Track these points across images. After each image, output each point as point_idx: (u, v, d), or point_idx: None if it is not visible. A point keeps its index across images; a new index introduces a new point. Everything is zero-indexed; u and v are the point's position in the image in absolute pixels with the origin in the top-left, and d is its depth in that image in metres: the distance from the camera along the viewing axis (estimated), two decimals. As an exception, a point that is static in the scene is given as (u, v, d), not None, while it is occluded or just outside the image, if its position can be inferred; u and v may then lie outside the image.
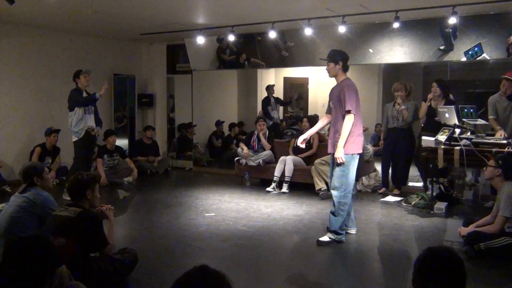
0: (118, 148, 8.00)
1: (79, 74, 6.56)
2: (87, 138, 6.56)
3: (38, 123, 7.88)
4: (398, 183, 6.71)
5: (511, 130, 5.56)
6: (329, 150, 4.66)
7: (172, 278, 1.54)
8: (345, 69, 4.55)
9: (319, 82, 9.42)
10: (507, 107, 5.66)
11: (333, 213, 4.54)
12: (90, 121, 6.58)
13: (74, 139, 6.58)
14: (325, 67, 4.58)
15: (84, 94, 6.59)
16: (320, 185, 6.62)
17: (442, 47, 6.63)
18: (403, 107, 6.33)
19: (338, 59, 4.50)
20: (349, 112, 4.37)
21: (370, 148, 7.09)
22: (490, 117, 5.74)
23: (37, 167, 3.93)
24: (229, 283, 1.49)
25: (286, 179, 6.98)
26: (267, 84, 9.37)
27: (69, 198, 3.49)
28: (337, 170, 4.45)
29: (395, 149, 6.59)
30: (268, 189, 7.01)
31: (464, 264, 1.76)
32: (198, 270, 1.49)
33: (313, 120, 7.16)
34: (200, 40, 7.86)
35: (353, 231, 4.87)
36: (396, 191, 6.65)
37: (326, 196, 6.37)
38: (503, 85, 5.63)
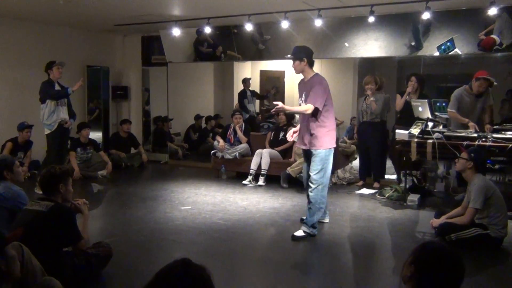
0: (92, 141, 7.87)
1: (52, 66, 6.39)
2: (59, 131, 6.41)
3: (9, 116, 7.65)
4: (376, 176, 6.77)
5: (475, 123, 5.65)
6: (298, 145, 4.71)
7: (147, 272, 1.54)
8: (310, 64, 4.54)
9: (296, 76, 9.38)
10: (473, 102, 5.75)
11: (310, 208, 4.50)
12: (63, 114, 6.44)
13: (47, 132, 6.43)
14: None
15: (57, 87, 6.43)
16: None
17: (413, 43, 6.73)
18: (372, 98, 6.39)
19: (302, 56, 4.47)
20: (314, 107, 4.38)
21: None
22: (452, 110, 5.75)
23: (7, 160, 3.85)
24: (210, 276, 1.50)
25: (263, 172, 6.99)
26: (243, 77, 9.33)
27: (41, 192, 3.42)
28: (316, 165, 4.43)
29: (367, 143, 6.66)
30: (244, 182, 7.01)
31: (464, 266, 1.75)
32: (179, 263, 1.49)
33: (289, 113, 7.16)
34: (176, 32, 7.75)
35: (326, 220, 4.97)
36: (376, 184, 6.67)
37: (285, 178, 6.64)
38: (480, 85, 5.58)
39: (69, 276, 3.10)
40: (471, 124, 5.51)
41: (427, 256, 1.74)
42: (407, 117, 6.04)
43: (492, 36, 6.12)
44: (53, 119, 6.34)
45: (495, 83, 5.65)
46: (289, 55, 4.59)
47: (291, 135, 4.59)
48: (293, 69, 4.64)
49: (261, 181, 6.96)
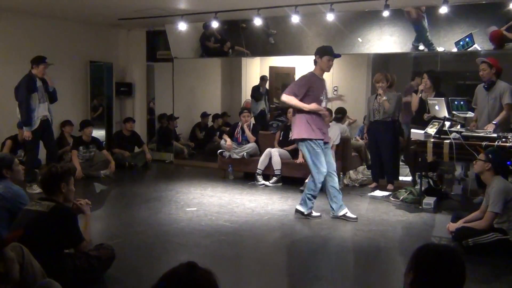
0: (95, 140, 7.78)
1: (40, 63, 6.26)
2: (41, 128, 6.32)
3: (8, 114, 7.44)
4: (389, 177, 6.60)
5: (485, 120, 5.48)
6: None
7: (151, 275, 1.52)
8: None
9: (306, 72, 9.28)
10: (486, 96, 5.57)
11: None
12: (43, 110, 6.34)
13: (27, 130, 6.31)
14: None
15: (38, 82, 6.30)
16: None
17: (420, 46, 6.64)
18: (384, 98, 6.26)
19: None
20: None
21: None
22: (473, 106, 5.73)
23: (7, 158, 3.81)
24: (216, 280, 1.48)
25: (276, 172, 6.85)
26: (251, 74, 9.25)
27: (36, 191, 3.33)
28: (305, 153, 5.04)
29: (378, 143, 6.52)
30: (267, 183, 6.86)
31: (464, 264, 1.70)
32: (185, 266, 1.47)
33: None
34: (182, 26, 7.67)
35: (340, 212, 5.12)
36: (389, 186, 6.51)
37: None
38: (480, 69, 5.49)
39: (70, 278, 3.06)
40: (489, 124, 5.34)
41: (423, 260, 1.71)
42: (422, 116, 5.91)
43: (500, 29, 5.95)
44: (32, 118, 6.24)
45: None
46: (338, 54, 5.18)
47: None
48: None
49: (270, 182, 6.84)
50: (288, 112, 6.87)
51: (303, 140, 4.98)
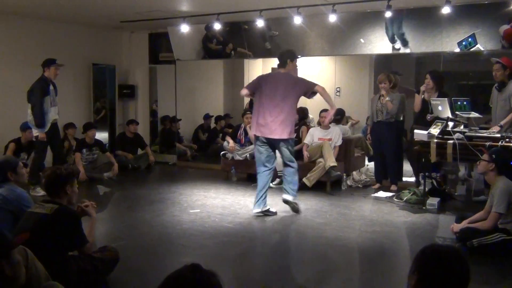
0: (98, 142, 7.77)
1: (51, 64, 6.30)
2: (51, 131, 6.35)
3: (11, 117, 7.49)
4: (392, 178, 6.56)
5: (496, 122, 5.47)
6: (271, 135, 5.15)
7: (155, 277, 1.50)
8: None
9: (308, 73, 9.25)
10: (497, 98, 5.56)
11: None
12: (54, 113, 6.37)
13: (37, 133, 6.31)
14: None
15: (50, 86, 6.34)
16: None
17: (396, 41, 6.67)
18: (387, 98, 6.23)
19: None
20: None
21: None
22: (490, 105, 5.70)
23: (11, 161, 3.83)
24: (220, 281, 1.49)
25: (279, 174, 6.76)
26: (253, 75, 9.04)
27: (40, 194, 3.32)
28: (290, 150, 5.26)
29: (381, 143, 6.48)
30: (270, 184, 6.76)
31: (469, 264, 1.69)
32: (189, 268, 1.48)
33: (302, 112, 6.98)
34: (184, 28, 7.64)
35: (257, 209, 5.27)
36: (393, 187, 6.47)
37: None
38: (493, 70, 5.48)
39: (74, 281, 3.06)
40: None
41: (427, 261, 1.70)
42: (425, 117, 5.87)
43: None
44: (46, 120, 6.25)
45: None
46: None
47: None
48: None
49: (273, 183, 6.77)
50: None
51: (292, 139, 5.30)
